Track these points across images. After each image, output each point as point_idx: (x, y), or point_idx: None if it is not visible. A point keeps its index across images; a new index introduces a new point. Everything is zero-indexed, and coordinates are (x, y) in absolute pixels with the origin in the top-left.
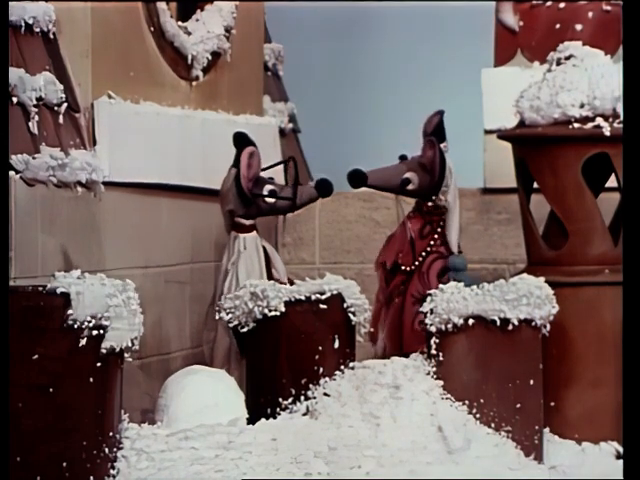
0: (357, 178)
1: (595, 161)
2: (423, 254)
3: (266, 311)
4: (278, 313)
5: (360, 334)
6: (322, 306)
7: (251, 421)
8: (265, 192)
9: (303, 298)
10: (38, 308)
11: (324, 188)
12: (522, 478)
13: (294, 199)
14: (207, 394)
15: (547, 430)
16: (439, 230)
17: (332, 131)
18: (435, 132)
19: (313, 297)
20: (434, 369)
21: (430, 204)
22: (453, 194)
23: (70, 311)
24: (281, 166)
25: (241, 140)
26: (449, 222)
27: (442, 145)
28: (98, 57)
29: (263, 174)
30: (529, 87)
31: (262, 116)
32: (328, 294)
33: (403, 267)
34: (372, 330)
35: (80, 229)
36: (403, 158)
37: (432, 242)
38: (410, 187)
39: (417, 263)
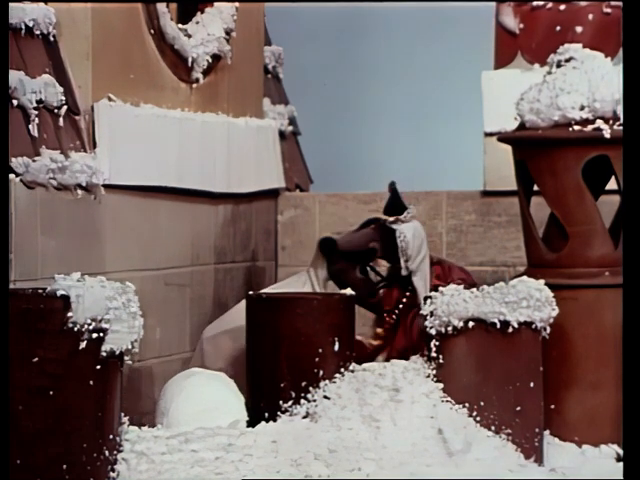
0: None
1: (595, 163)
2: (401, 305)
3: None
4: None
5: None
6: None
7: (251, 424)
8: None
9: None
10: (38, 311)
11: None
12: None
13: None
14: (207, 397)
15: (547, 432)
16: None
17: (332, 134)
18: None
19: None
20: (434, 372)
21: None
22: (417, 261)
23: (70, 314)
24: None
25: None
26: (416, 285)
27: (404, 215)
28: (98, 60)
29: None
30: (529, 89)
31: (262, 118)
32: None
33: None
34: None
35: (80, 232)
36: (373, 222)
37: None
38: (378, 254)
39: (397, 312)
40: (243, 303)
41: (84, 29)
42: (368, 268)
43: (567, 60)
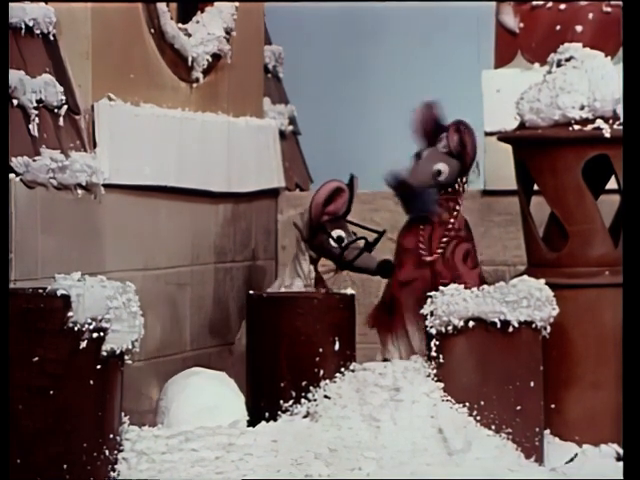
0: (397, 181)
1: (595, 163)
2: (444, 240)
3: None
4: None
5: None
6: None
7: (251, 423)
8: (333, 233)
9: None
10: (38, 310)
11: (384, 270)
12: (522, 479)
13: (349, 260)
14: (207, 396)
15: (547, 432)
16: (455, 214)
17: (332, 133)
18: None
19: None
20: (434, 371)
21: (449, 190)
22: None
23: (70, 313)
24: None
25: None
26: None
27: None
28: (98, 59)
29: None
30: (529, 89)
31: (262, 118)
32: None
33: (424, 258)
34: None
35: (80, 231)
36: (418, 156)
37: (450, 226)
38: (442, 178)
39: (439, 251)
40: None
41: (84, 29)
42: (344, 235)
43: (567, 59)
